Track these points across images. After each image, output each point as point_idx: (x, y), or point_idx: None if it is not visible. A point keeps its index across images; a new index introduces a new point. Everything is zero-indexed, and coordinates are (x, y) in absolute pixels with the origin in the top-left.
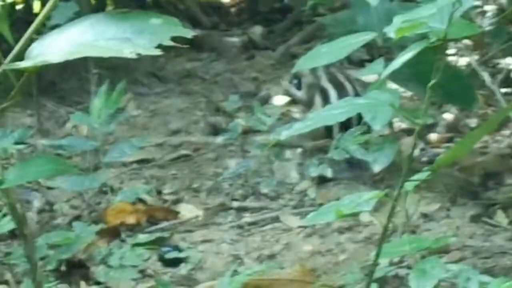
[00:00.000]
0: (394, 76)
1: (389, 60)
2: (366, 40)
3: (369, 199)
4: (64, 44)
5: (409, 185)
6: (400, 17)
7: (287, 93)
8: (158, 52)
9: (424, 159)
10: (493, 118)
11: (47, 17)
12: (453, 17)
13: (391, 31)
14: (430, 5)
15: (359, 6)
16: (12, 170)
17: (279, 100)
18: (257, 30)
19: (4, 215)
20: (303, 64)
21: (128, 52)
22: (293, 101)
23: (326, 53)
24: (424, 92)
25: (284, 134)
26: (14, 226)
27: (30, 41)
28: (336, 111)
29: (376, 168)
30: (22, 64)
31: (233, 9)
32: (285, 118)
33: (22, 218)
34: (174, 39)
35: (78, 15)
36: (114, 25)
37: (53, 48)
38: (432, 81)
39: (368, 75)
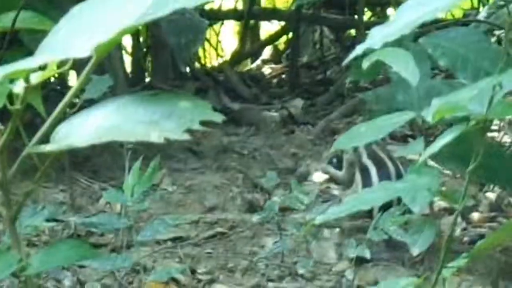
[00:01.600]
0: (435, 156)
1: (430, 137)
2: (405, 120)
3: (407, 285)
4: (91, 127)
5: (447, 271)
6: (438, 99)
7: (326, 172)
8: (187, 137)
9: (466, 239)
10: None
11: (80, 91)
12: (493, 100)
13: (429, 114)
14: (470, 88)
15: (399, 82)
16: (36, 256)
17: (318, 176)
18: (298, 103)
19: None
20: (342, 143)
21: (155, 136)
22: (333, 179)
23: (365, 132)
24: (465, 171)
25: (320, 218)
26: None
27: (63, 115)
28: (374, 195)
29: (415, 251)
30: (47, 148)
31: (274, 80)
32: (324, 196)
33: None
34: (204, 123)
35: (113, 89)
36: (141, 108)
37: (79, 131)
38: (472, 165)
39: (408, 155)
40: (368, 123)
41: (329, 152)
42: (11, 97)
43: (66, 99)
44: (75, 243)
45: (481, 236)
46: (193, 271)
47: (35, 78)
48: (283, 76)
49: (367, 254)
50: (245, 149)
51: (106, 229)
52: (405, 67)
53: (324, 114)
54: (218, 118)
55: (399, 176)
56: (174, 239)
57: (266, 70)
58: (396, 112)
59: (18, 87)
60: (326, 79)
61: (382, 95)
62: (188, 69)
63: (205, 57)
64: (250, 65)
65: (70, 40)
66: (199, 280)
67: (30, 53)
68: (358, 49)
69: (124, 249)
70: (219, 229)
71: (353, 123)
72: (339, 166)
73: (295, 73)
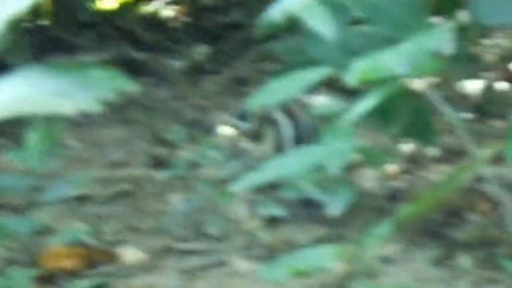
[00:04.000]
0: None
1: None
2: (321, 75)
3: (331, 255)
4: (0, 99)
5: (372, 239)
6: (360, 61)
7: (232, 126)
8: (99, 107)
9: (382, 193)
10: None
11: None
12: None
13: (350, 76)
14: (394, 49)
15: (311, 34)
16: None
17: (227, 129)
18: (202, 50)
19: None
20: (255, 101)
21: (69, 107)
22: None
23: (280, 89)
24: (383, 126)
25: (237, 186)
26: None
27: None
28: (292, 160)
29: (333, 211)
30: None
31: (175, 24)
32: (232, 149)
33: None
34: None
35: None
36: (54, 79)
37: None
38: (397, 126)
39: (325, 112)
40: (282, 79)
41: (234, 106)
42: None
43: None
44: None
45: (397, 191)
46: (98, 231)
47: None
48: (185, 19)
49: (281, 213)
50: (149, 101)
51: (9, 190)
52: (320, 21)
53: (230, 61)
54: (133, 87)
55: (312, 129)
56: (78, 198)
57: (167, 12)
58: (311, 67)
59: None
60: (230, 23)
61: (293, 46)
62: (87, 17)
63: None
64: (148, 8)
65: None
66: (105, 241)
67: None
68: (277, 10)
69: (26, 209)
70: (124, 186)
71: (261, 71)
72: (246, 118)
73: (198, 17)
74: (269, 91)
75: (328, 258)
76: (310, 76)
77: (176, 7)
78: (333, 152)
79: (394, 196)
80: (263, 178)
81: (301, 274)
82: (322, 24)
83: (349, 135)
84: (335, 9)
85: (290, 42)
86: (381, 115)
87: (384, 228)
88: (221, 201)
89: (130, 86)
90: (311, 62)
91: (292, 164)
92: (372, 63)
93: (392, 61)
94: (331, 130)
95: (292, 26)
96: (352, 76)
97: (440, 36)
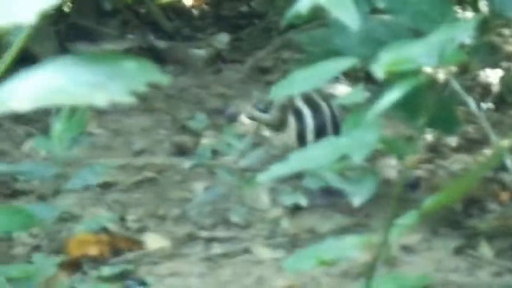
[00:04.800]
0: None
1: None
2: (346, 66)
3: (354, 245)
4: (31, 89)
5: (395, 230)
6: (387, 53)
7: (252, 118)
8: (132, 99)
9: (402, 182)
10: (487, 163)
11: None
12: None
13: (378, 68)
14: (421, 42)
15: (337, 25)
16: None
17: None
18: (223, 38)
19: None
20: (279, 91)
21: (100, 98)
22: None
23: (304, 79)
24: (406, 116)
25: (262, 177)
26: None
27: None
28: (319, 152)
29: (356, 201)
30: None
31: (196, 12)
32: (254, 138)
33: None
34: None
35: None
36: (85, 69)
37: (20, 93)
38: (423, 118)
39: (348, 102)
40: (306, 70)
41: (260, 94)
42: None
43: (4, 61)
44: (13, 210)
45: (418, 180)
46: (123, 219)
47: None
48: (206, 7)
49: (304, 202)
50: (172, 89)
51: (33, 177)
52: (345, 12)
53: (251, 49)
54: (164, 79)
55: (334, 119)
56: (101, 185)
57: (187, 1)
58: (335, 57)
59: None
60: (250, 12)
61: (317, 36)
62: (110, 5)
63: None
64: None
65: (11, 3)
66: (129, 228)
67: None
68: (304, 3)
69: (51, 196)
70: (148, 174)
71: (282, 60)
72: (268, 107)
73: (218, 5)
74: (293, 81)
75: (352, 248)
76: (334, 66)
77: None
78: (359, 143)
79: (415, 185)
80: (289, 169)
81: (325, 264)
82: (347, 14)
83: (374, 126)
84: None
85: (313, 32)
86: (404, 106)
87: (408, 218)
88: (244, 189)
89: (161, 78)
90: (334, 52)
91: (319, 155)
92: (399, 55)
93: (420, 53)
94: (355, 120)
95: (314, 16)
96: (379, 68)
97: (466, 27)
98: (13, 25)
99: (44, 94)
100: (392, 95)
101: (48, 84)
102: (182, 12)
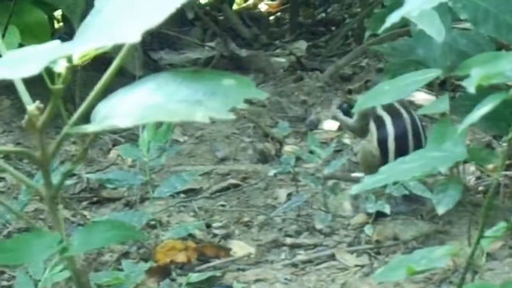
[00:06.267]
0: (457, 110)
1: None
2: (431, 77)
3: (443, 255)
4: (132, 106)
5: (485, 241)
6: (479, 69)
7: (335, 118)
8: (231, 116)
9: (481, 188)
10: None
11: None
12: None
13: (470, 85)
14: (507, 57)
15: (420, 36)
16: (77, 236)
17: (329, 125)
18: (301, 46)
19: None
20: (365, 102)
21: (200, 116)
22: (342, 125)
23: (389, 91)
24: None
25: (355, 188)
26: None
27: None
28: (410, 165)
29: (441, 210)
30: (89, 129)
31: (272, 19)
32: (335, 145)
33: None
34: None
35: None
36: (184, 86)
37: (121, 110)
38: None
39: (431, 112)
40: (391, 82)
41: (339, 99)
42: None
43: (105, 77)
44: (116, 224)
45: (497, 187)
46: (208, 226)
47: (77, 58)
48: (281, 14)
49: (387, 210)
50: (255, 97)
51: (121, 184)
52: (430, 23)
53: (329, 56)
54: (262, 95)
55: (414, 126)
56: (187, 192)
57: (263, 7)
58: (416, 68)
59: (60, 67)
60: (327, 18)
61: (399, 47)
62: (192, 13)
63: None
64: (244, 3)
65: (116, 22)
66: (215, 235)
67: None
68: (395, 16)
69: (138, 204)
70: (232, 181)
71: (360, 68)
72: (349, 113)
73: (295, 12)
74: (379, 92)
75: (441, 258)
76: (419, 77)
77: (271, 3)
78: (448, 155)
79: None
80: (381, 181)
81: (415, 274)
82: (433, 26)
83: (462, 137)
84: (440, 11)
85: (394, 44)
86: (487, 116)
87: (496, 231)
88: (327, 197)
89: (259, 93)
90: (415, 63)
91: (410, 168)
92: (490, 70)
93: (509, 67)
94: (442, 131)
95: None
96: (471, 82)
97: None
98: (118, 44)
99: (144, 112)
100: (483, 109)
101: (148, 101)
102: (258, 19)
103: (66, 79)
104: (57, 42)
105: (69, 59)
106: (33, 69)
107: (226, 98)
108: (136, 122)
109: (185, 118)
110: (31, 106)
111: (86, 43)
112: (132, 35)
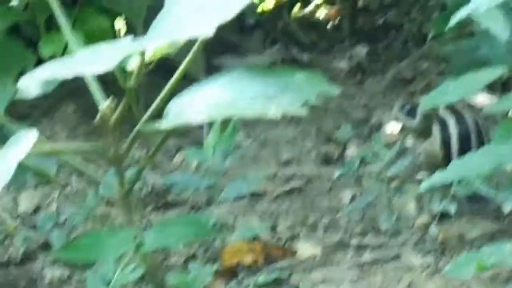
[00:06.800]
0: None
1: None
2: (495, 76)
3: None
4: (204, 103)
5: None
6: None
7: (397, 119)
8: (304, 111)
9: None
10: None
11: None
12: None
13: None
14: None
15: (484, 36)
16: (151, 233)
17: (391, 127)
18: (361, 51)
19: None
20: (430, 102)
21: (273, 111)
22: (404, 127)
23: (454, 90)
24: None
25: (424, 185)
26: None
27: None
28: (479, 161)
29: (507, 208)
30: (162, 126)
31: (330, 25)
32: (400, 147)
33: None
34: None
35: None
36: (256, 82)
37: (193, 107)
38: None
39: (494, 112)
40: (457, 81)
41: (401, 100)
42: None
43: (173, 78)
44: (190, 220)
45: None
46: (274, 228)
47: (150, 56)
48: (339, 19)
49: (452, 209)
50: (318, 101)
51: (187, 188)
52: (494, 23)
53: (390, 61)
54: (334, 90)
55: (477, 128)
56: (251, 195)
57: (321, 13)
58: (480, 67)
59: (133, 65)
60: (386, 23)
61: (463, 47)
62: (252, 19)
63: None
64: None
65: (189, 18)
66: (281, 237)
67: (104, 10)
68: (461, 13)
69: (203, 207)
70: (296, 184)
71: (421, 71)
72: (411, 114)
73: (354, 18)
74: (443, 92)
75: (509, 255)
76: (483, 76)
77: (329, 8)
78: None
79: None
80: (450, 177)
81: (485, 269)
82: (497, 25)
83: None
84: (503, 10)
85: (458, 44)
86: None
87: None
88: (391, 197)
89: (331, 89)
90: (479, 63)
91: (478, 164)
92: None
93: None
94: (506, 128)
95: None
96: None
97: None
98: (190, 38)
99: (217, 108)
100: None
101: (220, 98)
102: (317, 25)
103: (138, 77)
104: (129, 38)
105: (142, 55)
106: (108, 65)
107: (299, 93)
108: (208, 118)
109: (258, 114)
110: (104, 104)
111: (159, 38)
112: (206, 29)
